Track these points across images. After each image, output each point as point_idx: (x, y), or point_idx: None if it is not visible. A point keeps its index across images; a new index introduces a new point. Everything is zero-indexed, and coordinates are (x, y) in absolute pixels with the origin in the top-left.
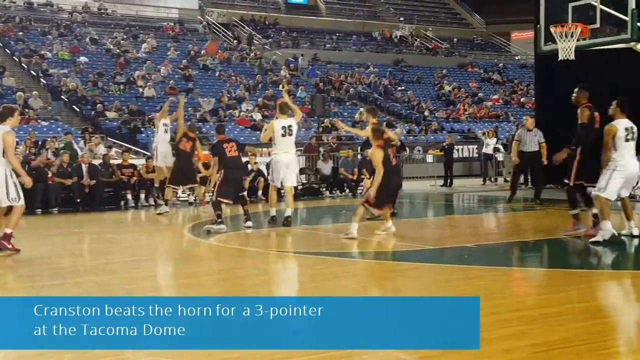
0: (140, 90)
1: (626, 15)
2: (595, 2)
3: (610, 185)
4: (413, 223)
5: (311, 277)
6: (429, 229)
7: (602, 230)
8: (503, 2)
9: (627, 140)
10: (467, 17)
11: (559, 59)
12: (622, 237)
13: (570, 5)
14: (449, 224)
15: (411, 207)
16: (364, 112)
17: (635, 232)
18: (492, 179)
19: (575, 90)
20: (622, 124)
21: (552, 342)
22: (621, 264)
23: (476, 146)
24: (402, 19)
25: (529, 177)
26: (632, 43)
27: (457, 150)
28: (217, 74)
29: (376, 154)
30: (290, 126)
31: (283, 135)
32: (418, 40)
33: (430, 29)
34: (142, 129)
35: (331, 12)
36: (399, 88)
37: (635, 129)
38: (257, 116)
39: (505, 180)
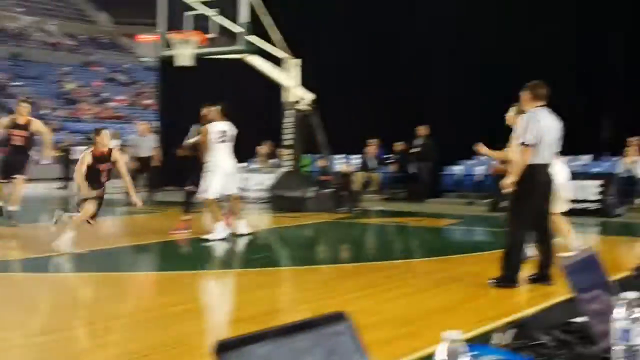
0: None
1: (239, 28)
2: (211, 13)
3: (211, 185)
4: (22, 230)
5: None
6: (36, 235)
7: (215, 230)
8: (131, 4)
9: (221, 141)
10: (93, 14)
11: (176, 65)
12: (231, 237)
13: (188, 14)
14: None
15: (24, 213)
16: None
17: (243, 230)
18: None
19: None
20: (218, 127)
21: (155, 344)
22: (227, 263)
23: None
24: (20, 9)
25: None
26: (243, 54)
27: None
28: None
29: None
30: None
31: None
32: (39, 34)
33: (53, 23)
34: None
35: None
36: (16, 84)
37: (230, 131)
38: None
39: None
